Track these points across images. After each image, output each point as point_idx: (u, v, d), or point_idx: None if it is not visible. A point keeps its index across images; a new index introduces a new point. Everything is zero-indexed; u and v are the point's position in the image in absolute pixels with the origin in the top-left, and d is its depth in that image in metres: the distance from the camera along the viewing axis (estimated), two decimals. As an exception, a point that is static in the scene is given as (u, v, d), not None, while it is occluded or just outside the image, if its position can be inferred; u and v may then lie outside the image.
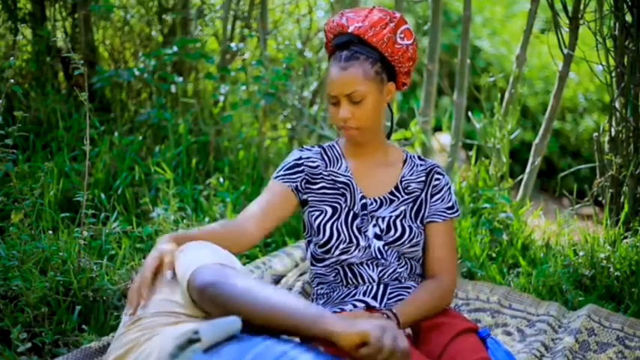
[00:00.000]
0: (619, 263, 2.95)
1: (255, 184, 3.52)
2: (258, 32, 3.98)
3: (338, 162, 2.22)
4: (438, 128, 4.84)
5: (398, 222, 2.15)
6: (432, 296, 2.11)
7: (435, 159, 3.75)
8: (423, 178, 2.21)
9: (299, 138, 3.92)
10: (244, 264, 2.76)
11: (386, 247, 2.14)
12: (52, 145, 3.50)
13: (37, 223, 2.75)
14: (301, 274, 2.77)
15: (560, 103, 3.55)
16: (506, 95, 3.65)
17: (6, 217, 2.73)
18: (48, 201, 2.99)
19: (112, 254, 2.74)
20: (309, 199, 2.18)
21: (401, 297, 2.13)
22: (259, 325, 1.63)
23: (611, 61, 3.24)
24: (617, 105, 3.24)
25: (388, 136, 2.27)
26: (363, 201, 2.17)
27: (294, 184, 2.17)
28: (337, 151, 2.23)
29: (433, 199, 2.20)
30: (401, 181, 2.20)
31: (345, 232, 2.13)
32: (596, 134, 3.35)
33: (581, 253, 3.03)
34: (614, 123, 3.28)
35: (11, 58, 3.38)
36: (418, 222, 2.18)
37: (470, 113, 3.86)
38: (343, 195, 2.18)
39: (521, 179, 3.64)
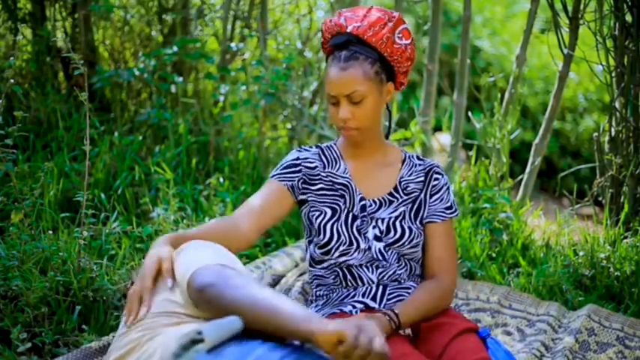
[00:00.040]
0: (619, 263, 2.95)
1: (255, 184, 3.52)
2: (258, 32, 3.98)
3: (336, 163, 2.21)
4: (438, 128, 4.84)
5: (397, 223, 2.15)
6: (431, 296, 2.10)
7: (435, 159, 3.75)
8: (422, 178, 2.21)
9: (299, 138, 3.92)
10: (244, 264, 2.76)
11: (387, 249, 2.13)
12: (52, 145, 3.50)
13: (37, 223, 2.75)
14: (301, 274, 2.77)
15: (560, 103, 3.55)
16: (506, 95, 3.65)
17: (6, 217, 2.73)
18: (48, 201, 2.99)
19: (112, 254, 2.74)
20: (309, 199, 2.18)
21: (400, 297, 2.13)
22: (248, 324, 1.64)
23: (611, 61, 3.24)
24: (617, 105, 3.24)
25: (387, 136, 2.26)
26: (363, 202, 2.16)
27: (290, 183, 2.17)
28: (335, 152, 2.23)
29: (432, 199, 2.19)
30: (400, 182, 2.20)
31: (345, 234, 2.13)
32: (596, 134, 3.35)
33: (581, 253, 3.03)
34: (614, 123, 3.28)
35: (11, 58, 3.39)
36: (417, 223, 2.18)
37: (470, 113, 3.86)
38: (342, 196, 2.17)
39: (521, 179, 3.64)
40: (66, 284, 2.45)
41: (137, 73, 3.76)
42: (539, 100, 6.04)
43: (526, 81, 5.91)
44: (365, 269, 2.14)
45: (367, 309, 2.12)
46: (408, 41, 2.12)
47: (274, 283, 2.74)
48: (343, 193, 2.17)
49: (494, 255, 3.20)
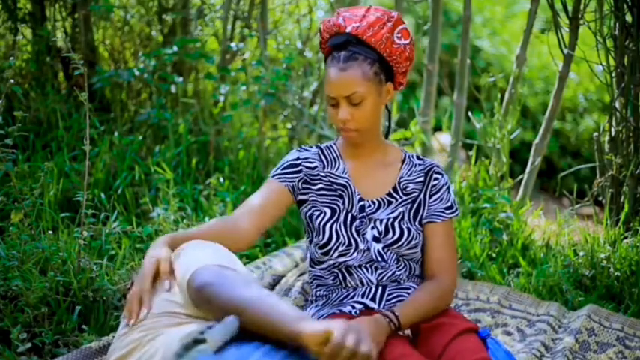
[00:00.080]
0: (619, 263, 2.95)
1: (255, 184, 3.52)
2: (258, 32, 3.98)
3: (336, 163, 2.21)
4: (438, 128, 4.84)
5: (396, 224, 2.15)
6: (431, 297, 2.10)
7: (435, 159, 3.75)
8: (422, 179, 2.20)
9: (299, 138, 3.92)
10: (244, 264, 2.76)
11: (385, 250, 2.13)
12: (52, 145, 3.50)
13: (37, 223, 2.75)
14: (301, 274, 2.77)
15: (560, 103, 3.55)
16: (506, 95, 3.64)
17: (6, 217, 2.73)
18: (48, 201, 2.99)
19: (112, 254, 2.74)
20: (309, 199, 2.17)
21: (400, 298, 2.13)
22: (244, 325, 1.65)
23: (611, 61, 3.24)
24: (617, 105, 3.24)
25: (386, 136, 2.26)
26: (361, 203, 2.16)
27: (291, 184, 2.17)
28: (335, 152, 2.22)
29: (432, 199, 2.19)
30: (399, 182, 2.19)
31: (344, 235, 2.13)
32: (596, 134, 3.35)
33: (581, 253, 3.03)
34: (614, 123, 3.28)
35: (11, 58, 3.38)
36: (417, 223, 2.17)
37: (470, 113, 3.86)
38: (341, 197, 2.17)
39: (521, 179, 3.64)
40: (66, 284, 2.45)
41: (137, 73, 3.76)
42: (539, 100, 6.04)
43: (526, 81, 5.91)
44: (364, 270, 2.13)
45: (367, 309, 2.12)
46: (407, 41, 2.11)
47: (274, 283, 2.74)
48: (342, 193, 2.17)
49: (494, 255, 3.20)
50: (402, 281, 2.15)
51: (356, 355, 1.52)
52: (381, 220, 2.15)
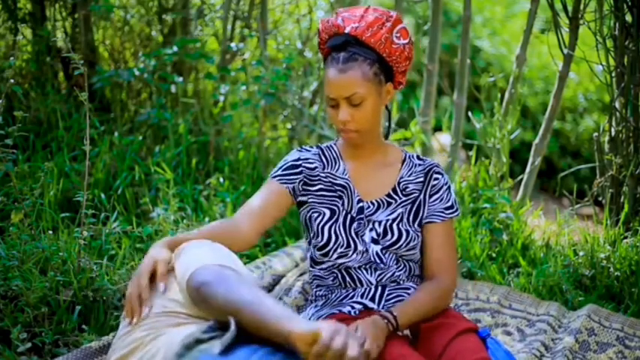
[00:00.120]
0: (619, 263, 2.94)
1: (255, 184, 3.52)
2: (258, 32, 3.98)
3: (336, 164, 2.20)
4: (438, 128, 4.84)
5: (395, 226, 2.14)
6: (431, 297, 2.10)
7: (435, 159, 3.75)
8: (422, 179, 2.20)
9: (299, 138, 3.92)
10: (244, 264, 2.76)
11: (384, 251, 2.13)
12: (52, 145, 3.50)
13: (37, 223, 2.75)
14: (301, 274, 2.77)
15: (560, 103, 3.55)
16: (506, 95, 3.64)
17: (6, 217, 2.73)
18: (48, 201, 2.99)
19: (112, 254, 2.74)
20: (309, 200, 2.17)
21: (399, 298, 2.13)
22: (241, 325, 1.65)
23: (611, 61, 3.24)
24: (617, 105, 3.24)
25: (386, 136, 2.26)
26: (360, 204, 2.16)
27: (292, 186, 2.16)
28: (335, 153, 2.22)
29: (432, 199, 2.19)
30: (399, 183, 2.19)
31: (343, 236, 2.12)
32: (596, 134, 3.35)
33: (581, 253, 3.03)
34: (614, 123, 3.28)
35: (11, 58, 3.38)
36: (416, 225, 2.17)
37: (470, 113, 3.86)
38: (340, 198, 2.17)
39: (521, 179, 3.64)
40: (66, 284, 2.45)
41: (137, 73, 3.76)
42: (539, 100, 6.04)
43: (526, 81, 5.91)
44: (363, 271, 2.13)
45: (366, 310, 2.12)
46: (407, 40, 2.11)
47: (274, 283, 2.74)
48: (342, 194, 2.17)
49: (494, 255, 3.20)
50: (401, 282, 2.15)
51: (342, 357, 1.52)
52: (380, 222, 2.14)
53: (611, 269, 2.94)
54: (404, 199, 2.18)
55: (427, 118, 3.98)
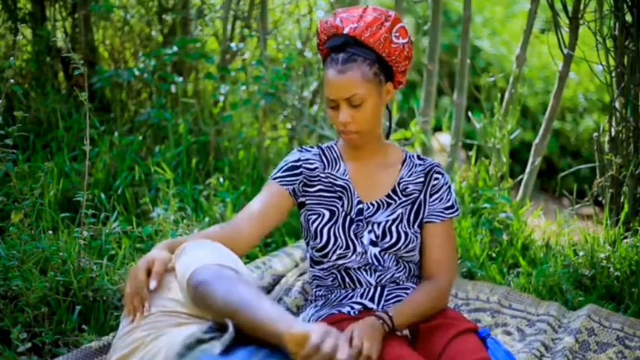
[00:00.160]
0: (619, 263, 2.94)
1: (255, 184, 3.52)
2: (258, 32, 3.98)
3: (336, 164, 2.20)
4: (438, 128, 4.84)
5: (394, 228, 2.13)
6: (428, 297, 2.10)
7: (435, 159, 3.75)
8: (422, 179, 2.19)
9: (299, 138, 3.92)
10: (244, 264, 2.76)
11: (382, 253, 2.13)
12: (52, 145, 3.50)
13: (37, 223, 2.75)
14: (301, 274, 2.77)
15: (560, 103, 3.55)
16: (506, 95, 3.64)
17: (6, 217, 2.73)
18: (48, 201, 2.99)
19: (112, 254, 2.74)
20: (307, 201, 2.17)
21: (399, 298, 2.13)
22: (238, 325, 1.65)
23: (611, 61, 3.24)
24: (617, 105, 3.24)
25: (387, 137, 2.25)
26: (360, 206, 2.15)
27: (292, 187, 2.16)
28: (336, 153, 2.21)
29: (432, 199, 2.18)
30: (399, 183, 2.18)
31: (342, 237, 2.12)
32: (596, 134, 3.35)
33: (581, 253, 3.03)
34: (614, 123, 3.28)
35: (11, 58, 3.38)
36: (416, 226, 2.16)
37: (470, 113, 3.86)
38: (340, 199, 2.16)
39: (521, 179, 3.64)
40: (66, 284, 2.45)
41: (137, 73, 3.76)
42: (539, 100, 6.04)
43: (526, 81, 5.91)
44: (363, 272, 2.13)
45: (365, 310, 2.11)
46: (406, 40, 2.10)
47: (274, 283, 2.74)
48: (341, 195, 2.17)
49: (494, 255, 3.20)
50: (401, 282, 2.15)
51: None
52: (379, 224, 2.14)
53: (611, 269, 2.94)
54: (404, 199, 2.17)
55: (427, 118, 3.98)
